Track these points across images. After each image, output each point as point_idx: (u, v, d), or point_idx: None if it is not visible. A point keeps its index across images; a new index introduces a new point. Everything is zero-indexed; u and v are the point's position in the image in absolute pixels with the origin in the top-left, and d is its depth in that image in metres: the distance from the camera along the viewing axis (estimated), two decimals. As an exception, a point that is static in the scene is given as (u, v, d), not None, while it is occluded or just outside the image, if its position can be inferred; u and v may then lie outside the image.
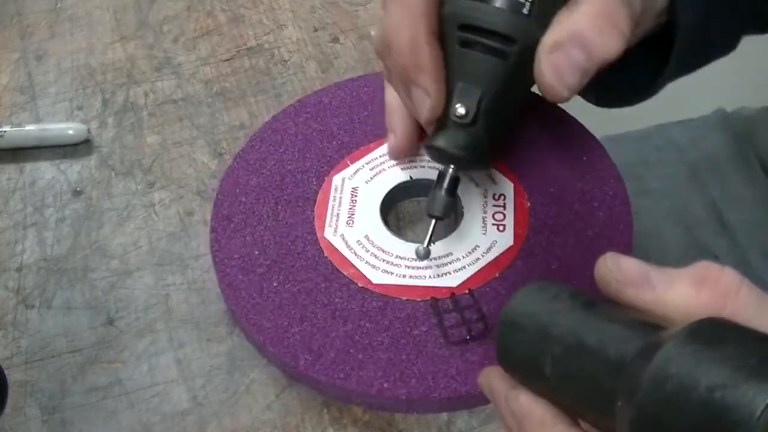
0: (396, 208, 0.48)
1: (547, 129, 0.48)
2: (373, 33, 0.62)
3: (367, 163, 0.47)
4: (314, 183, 0.47)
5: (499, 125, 0.39)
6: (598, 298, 0.28)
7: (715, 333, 0.23)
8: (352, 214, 0.45)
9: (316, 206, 0.45)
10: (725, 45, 0.47)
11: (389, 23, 0.38)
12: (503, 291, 0.41)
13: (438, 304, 0.40)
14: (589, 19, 0.35)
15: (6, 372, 0.40)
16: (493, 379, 0.31)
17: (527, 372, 0.28)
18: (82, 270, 0.49)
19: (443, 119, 0.39)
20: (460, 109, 0.37)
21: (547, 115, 0.48)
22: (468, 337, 0.39)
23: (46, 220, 0.52)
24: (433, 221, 0.40)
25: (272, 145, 0.49)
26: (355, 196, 0.46)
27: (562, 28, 0.35)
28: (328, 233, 0.44)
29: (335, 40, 0.62)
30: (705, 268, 0.26)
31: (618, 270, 0.27)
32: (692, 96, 0.91)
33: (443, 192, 0.39)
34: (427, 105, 0.38)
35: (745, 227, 0.62)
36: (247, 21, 0.64)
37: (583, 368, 0.26)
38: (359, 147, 0.48)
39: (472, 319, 0.39)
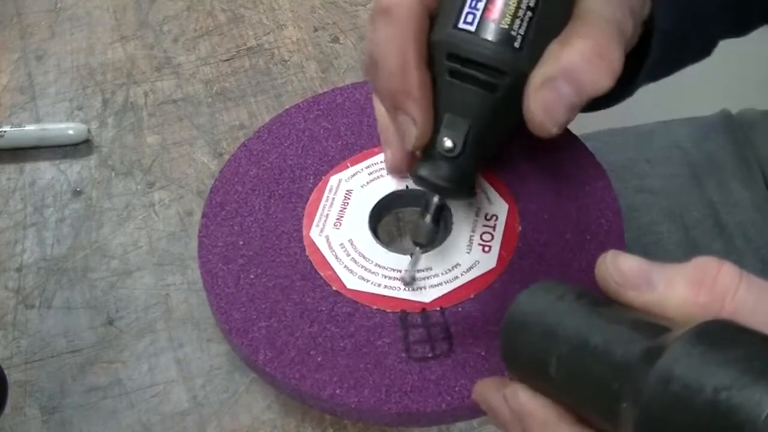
0: (398, 213, 0.47)
1: (553, 153, 0.46)
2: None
3: (366, 167, 0.47)
4: (311, 181, 0.46)
5: (485, 157, 0.39)
6: (604, 297, 0.28)
7: (720, 335, 0.23)
8: (341, 217, 0.44)
9: (308, 204, 0.45)
10: (701, 50, 0.46)
11: (378, 42, 0.37)
12: (475, 313, 0.40)
13: (407, 318, 0.40)
14: (583, 57, 0.34)
15: (6, 372, 0.40)
16: (488, 391, 0.31)
17: (531, 371, 0.28)
18: (82, 270, 0.49)
19: (429, 148, 0.38)
20: (447, 143, 0.37)
21: (555, 140, 0.47)
22: (430, 355, 0.38)
23: (46, 220, 0.52)
24: (417, 248, 0.39)
25: (278, 138, 0.49)
26: (348, 198, 0.45)
27: (553, 63, 0.34)
28: (314, 233, 0.44)
29: (335, 40, 0.62)
30: (704, 265, 0.26)
31: (617, 272, 0.27)
32: (698, 94, 0.91)
33: (428, 220, 0.39)
34: (413, 134, 0.37)
35: (742, 230, 0.62)
36: (247, 21, 0.64)
37: (589, 369, 0.26)
38: (363, 150, 0.47)
39: (438, 338, 0.39)
